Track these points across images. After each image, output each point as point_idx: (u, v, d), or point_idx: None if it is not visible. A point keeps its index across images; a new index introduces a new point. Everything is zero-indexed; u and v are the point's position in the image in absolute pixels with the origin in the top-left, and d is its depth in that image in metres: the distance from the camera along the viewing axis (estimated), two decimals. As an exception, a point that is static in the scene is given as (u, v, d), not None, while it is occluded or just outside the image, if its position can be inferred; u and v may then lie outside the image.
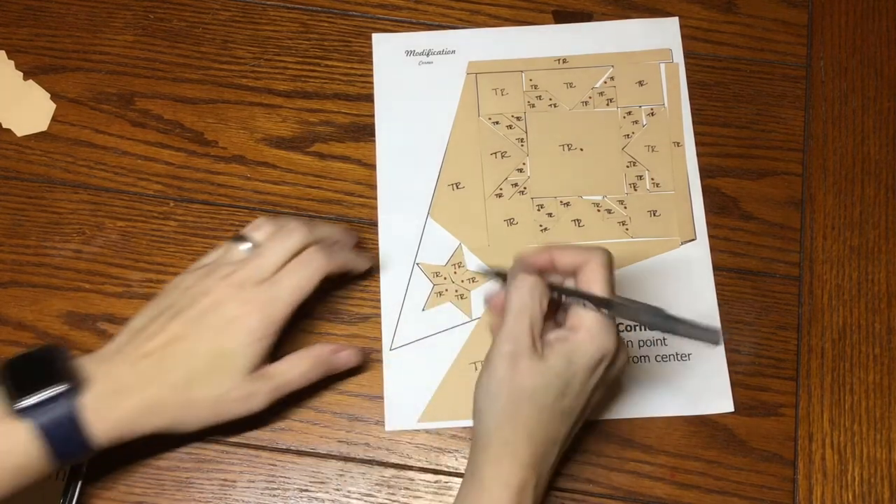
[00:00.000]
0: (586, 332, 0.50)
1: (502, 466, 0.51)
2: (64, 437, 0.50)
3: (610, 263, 0.53)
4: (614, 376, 0.54)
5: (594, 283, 0.51)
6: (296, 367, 0.56)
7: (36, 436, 0.49)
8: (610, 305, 0.51)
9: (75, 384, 0.51)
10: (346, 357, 0.59)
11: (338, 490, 0.60)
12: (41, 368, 0.51)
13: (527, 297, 0.52)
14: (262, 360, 0.55)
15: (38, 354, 0.53)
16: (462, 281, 0.64)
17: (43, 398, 0.50)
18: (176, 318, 0.54)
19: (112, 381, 0.52)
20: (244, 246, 0.57)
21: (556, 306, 0.54)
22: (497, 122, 0.67)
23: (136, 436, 0.53)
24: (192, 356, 0.53)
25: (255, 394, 0.54)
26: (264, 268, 0.55)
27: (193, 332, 0.53)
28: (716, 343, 0.47)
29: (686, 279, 0.64)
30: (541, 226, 0.65)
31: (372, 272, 0.63)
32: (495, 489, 0.50)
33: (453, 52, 0.69)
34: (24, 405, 0.49)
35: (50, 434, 0.50)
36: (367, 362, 0.62)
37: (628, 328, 0.63)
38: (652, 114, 0.68)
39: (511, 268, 0.54)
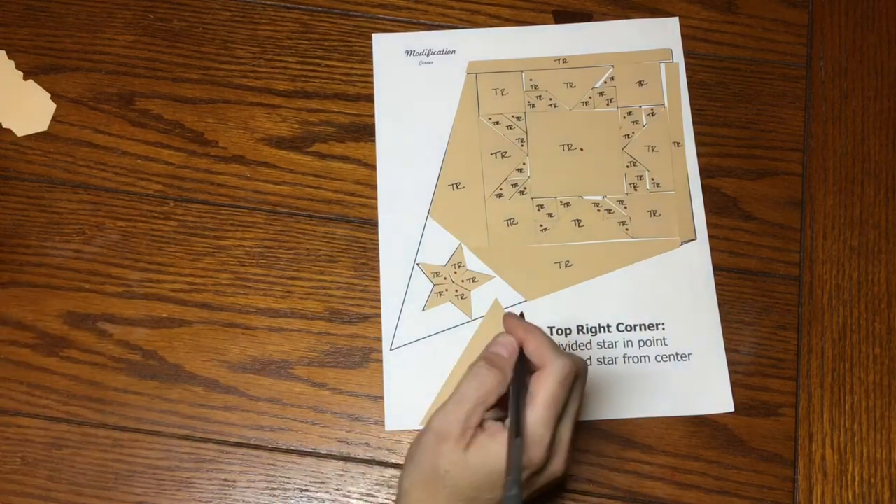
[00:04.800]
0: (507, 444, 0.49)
1: None
2: None
3: (566, 378, 0.49)
4: (543, 484, 0.52)
5: (538, 393, 0.49)
6: None
7: None
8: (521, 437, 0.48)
9: None
10: None
11: (338, 490, 0.60)
12: None
13: (472, 389, 0.50)
14: None
15: None
16: (462, 281, 0.64)
17: None
18: None
19: None
20: None
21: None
22: (497, 122, 0.67)
23: None
24: None
25: None
26: None
27: None
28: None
29: (686, 279, 0.64)
30: (541, 226, 0.65)
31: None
32: None
33: (453, 52, 0.69)
34: None
35: None
36: (367, 362, 0.62)
37: (628, 328, 0.63)
38: (652, 114, 0.68)
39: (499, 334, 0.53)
